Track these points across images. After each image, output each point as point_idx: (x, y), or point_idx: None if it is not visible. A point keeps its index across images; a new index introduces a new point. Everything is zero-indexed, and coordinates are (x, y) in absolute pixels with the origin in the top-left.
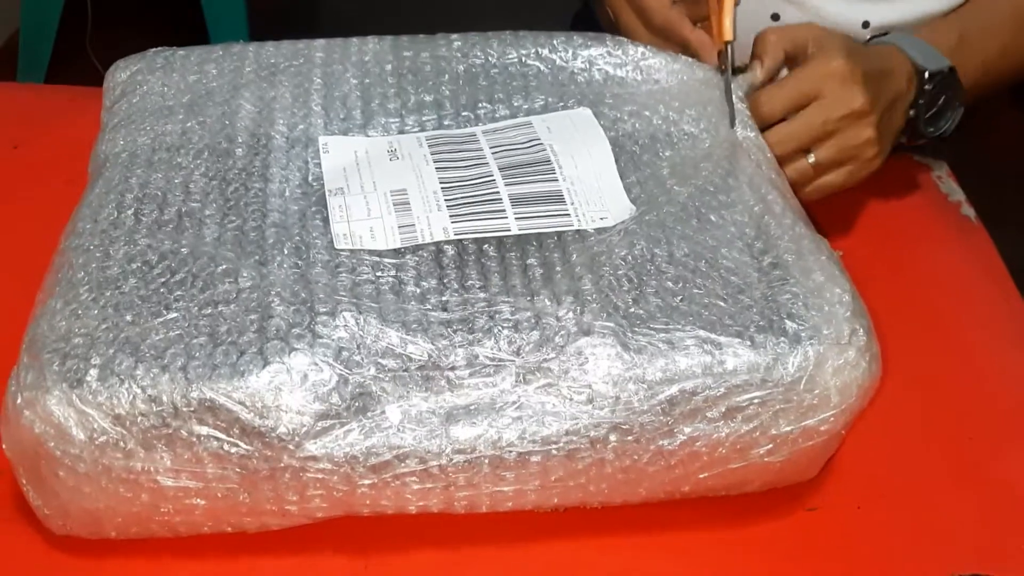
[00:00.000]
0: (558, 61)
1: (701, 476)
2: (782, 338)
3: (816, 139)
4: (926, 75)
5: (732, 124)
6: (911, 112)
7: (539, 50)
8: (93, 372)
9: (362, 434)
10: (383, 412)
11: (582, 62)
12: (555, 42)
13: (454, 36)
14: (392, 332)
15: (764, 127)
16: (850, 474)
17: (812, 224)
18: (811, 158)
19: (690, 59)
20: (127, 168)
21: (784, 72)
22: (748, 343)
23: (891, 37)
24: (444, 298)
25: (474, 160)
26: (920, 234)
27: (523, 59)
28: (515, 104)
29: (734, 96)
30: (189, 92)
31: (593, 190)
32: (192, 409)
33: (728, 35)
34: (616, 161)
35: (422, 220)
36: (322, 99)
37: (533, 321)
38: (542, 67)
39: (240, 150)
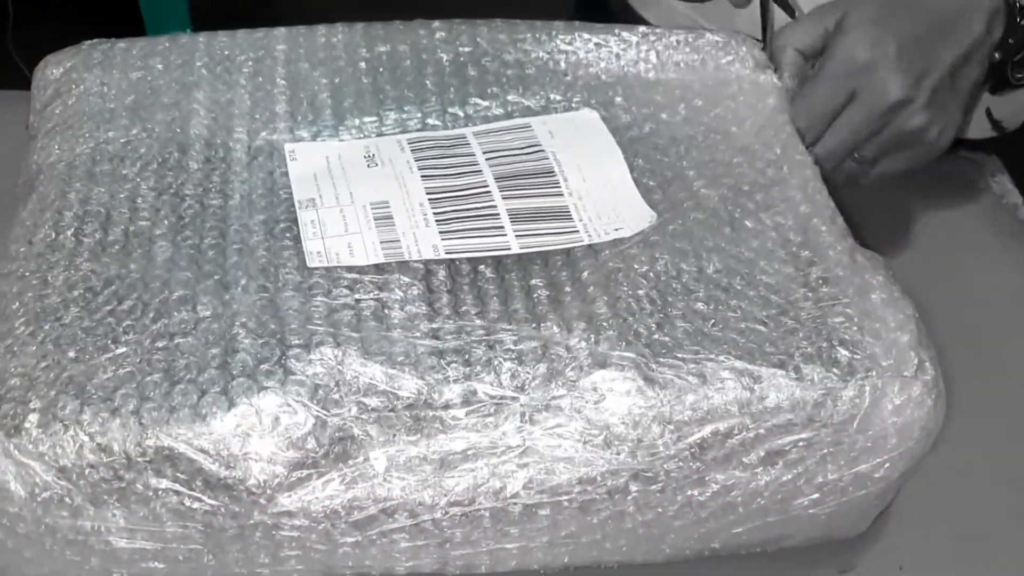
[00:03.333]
0: (559, 52)
1: (735, 531)
2: (833, 369)
3: (859, 142)
4: (1018, 6)
5: (776, 72)
6: (996, 55)
7: (537, 38)
8: (33, 418)
9: (343, 485)
10: (367, 459)
11: (587, 52)
12: (554, 31)
13: (436, 23)
14: (375, 366)
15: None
16: (892, 527)
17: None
18: (856, 155)
19: (714, 38)
20: (64, 181)
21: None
22: (793, 375)
23: None
24: (435, 325)
25: (465, 167)
26: (971, 241)
27: (519, 51)
28: (511, 101)
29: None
30: (133, 92)
31: (605, 202)
32: (148, 459)
33: None
34: (631, 165)
35: (408, 236)
36: (286, 99)
37: (539, 352)
38: (541, 59)
39: (194, 163)
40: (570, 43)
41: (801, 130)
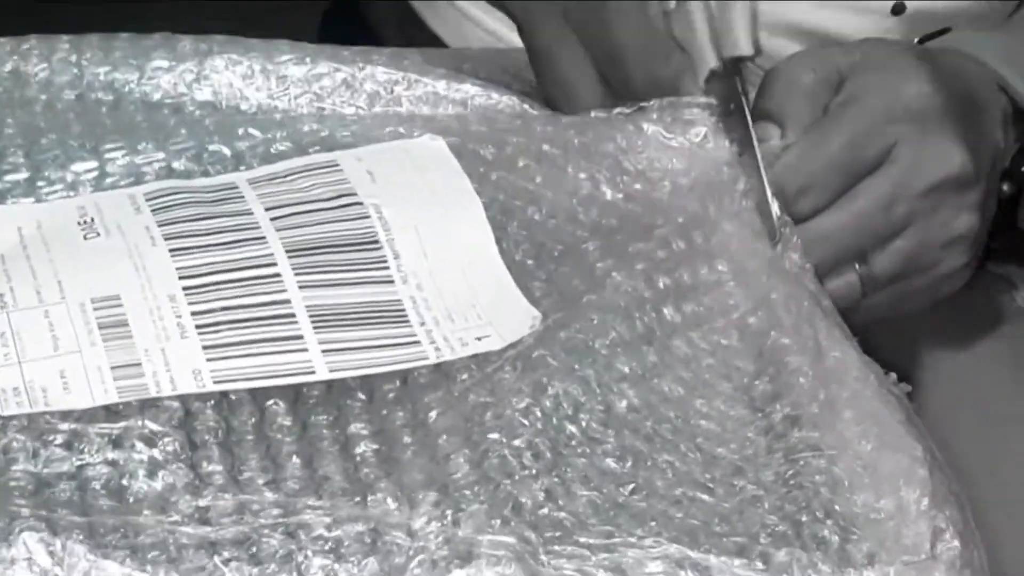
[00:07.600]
0: (380, 79)
1: None
2: (816, 553)
3: (879, 235)
4: None
5: (773, 237)
6: (1004, 187)
7: (339, 65)
8: None
9: None
10: None
11: (422, 84)
12: (376, 56)
13: (187, 40)
14: (114, 565)
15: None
16: None
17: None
18: (860, 268)
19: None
20: None
21: None
22: (759, 564)
23: (956, 39)
24: (202, 503)
25: (238, 232)
26: (996, 379)
27: (315, 73)
28: (304, 131)
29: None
30: None
31: (460, 292)
32: None
33: (744, 47)
34: (499, 235)
35: (154, 355)
36: None
37: (367, 540)
38: (349, 87)
39: None
40: (398, 74)
41: (791, 193)
